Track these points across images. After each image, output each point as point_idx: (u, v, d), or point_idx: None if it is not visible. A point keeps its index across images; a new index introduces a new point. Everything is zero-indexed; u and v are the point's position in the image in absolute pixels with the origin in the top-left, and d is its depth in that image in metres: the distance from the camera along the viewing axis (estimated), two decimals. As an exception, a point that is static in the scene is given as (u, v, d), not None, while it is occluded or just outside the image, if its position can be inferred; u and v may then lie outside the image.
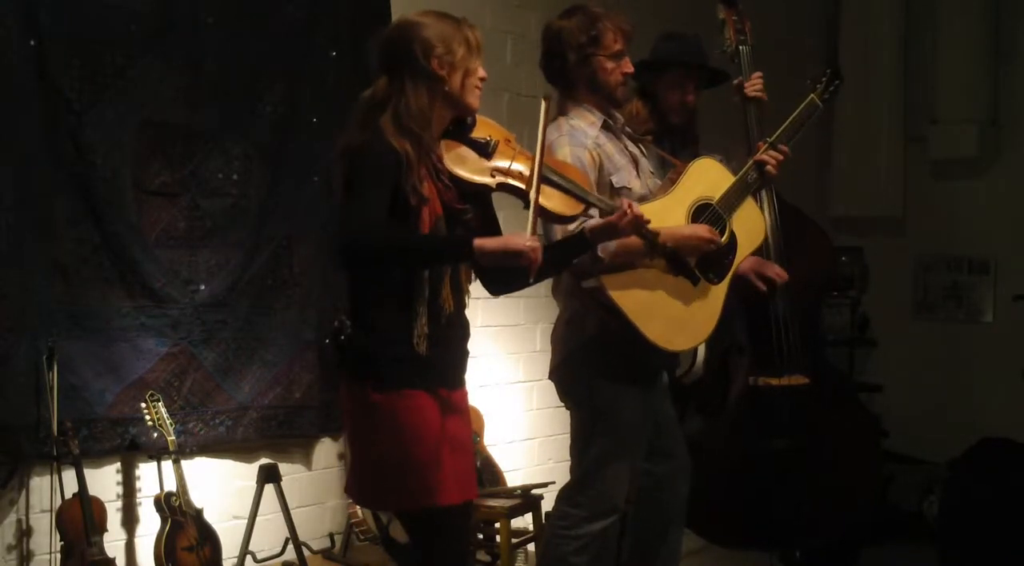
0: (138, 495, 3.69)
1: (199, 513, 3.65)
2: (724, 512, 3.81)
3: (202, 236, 3.80)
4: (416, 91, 2.48)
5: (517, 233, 2.43)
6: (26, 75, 3.39)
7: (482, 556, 4.23)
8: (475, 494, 2.64)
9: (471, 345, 2.64)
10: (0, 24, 3.32)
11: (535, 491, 4.21)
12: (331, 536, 4.17)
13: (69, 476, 3.39)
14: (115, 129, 3.57)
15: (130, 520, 3.68)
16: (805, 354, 3.79)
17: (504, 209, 2.69)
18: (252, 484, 3.86)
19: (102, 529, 3.44)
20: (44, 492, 3.45)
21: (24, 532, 3.43)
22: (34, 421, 3.39)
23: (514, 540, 4.11)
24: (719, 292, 3.10)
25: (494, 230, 2.62)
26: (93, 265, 3.55)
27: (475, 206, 2.56)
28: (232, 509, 3.90)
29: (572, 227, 2.82)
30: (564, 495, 3.22)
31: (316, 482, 4.19)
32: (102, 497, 3.52)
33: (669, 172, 3.32)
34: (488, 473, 4.30)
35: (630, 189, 3.08)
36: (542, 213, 2.59)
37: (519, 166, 2.55)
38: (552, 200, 2.59)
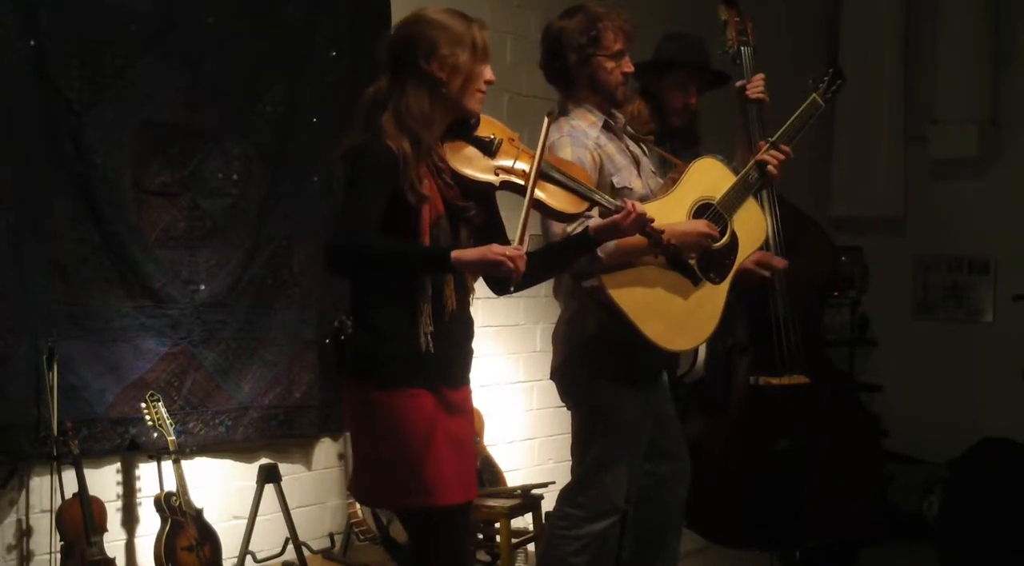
0: (138, 495, 3.68)
1: (199, 513, 3.65)
2: (724, 512, 3.82)
3: (202, 236, 3.80)
4: (416, 91, 2.47)
5: (498, 244, 2.42)
6: (26, 75, 3.38)
7: (482, 556, 4.23)
8: (475, 494, 2.64)
9: (473, 345, 2.64)
10: (0, 24, 3.32)
11: (535, 491, 4.21)
12: (331, 536, 4.16)
13: (69, 476, 3.38)
14: (115, 129, 3.57)
15: (130, 520, 3.68)
16: (805, 354, 3.80)
17: (507, 210, 2.68)
18: (252, 484, 3.86)
19: (102, 529, 3.44)
20: (44, 492, 3.45)
21: (24, 532, 3.43)
22: (34, 421, 3.38)
23: (514, 540, 4.10)
24: (720, 292, 3.10)
25: (497, 229, 2.62)
26: (93, 265, 3.55)
27: (479, 205, 2.56)
28: (232, 509, 3.90)
29: (572, 228, 2.82)
30: (564, 495, 3.22)
31: (316, 482, 4.19)
32: (102, 497, 3.52)
33: (670, 172, 3.32)
34: (488, 473, 4.30)
35: (631, 189, 3.08)
36: (545, 210, 2.60)
37: (522, 165, 2.55)
38: (555, 198, 2.58)
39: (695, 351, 3.70)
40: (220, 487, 3.90)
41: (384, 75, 2.52)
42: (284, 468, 3.98)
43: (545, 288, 3.27)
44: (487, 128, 2.58)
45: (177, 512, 3.56)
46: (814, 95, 3.50)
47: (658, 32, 3.79)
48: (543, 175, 2.54)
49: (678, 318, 3.02)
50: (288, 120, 4.00)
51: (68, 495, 3.40)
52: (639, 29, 3.17)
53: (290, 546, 3.86)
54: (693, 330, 3.08)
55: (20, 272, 3.37)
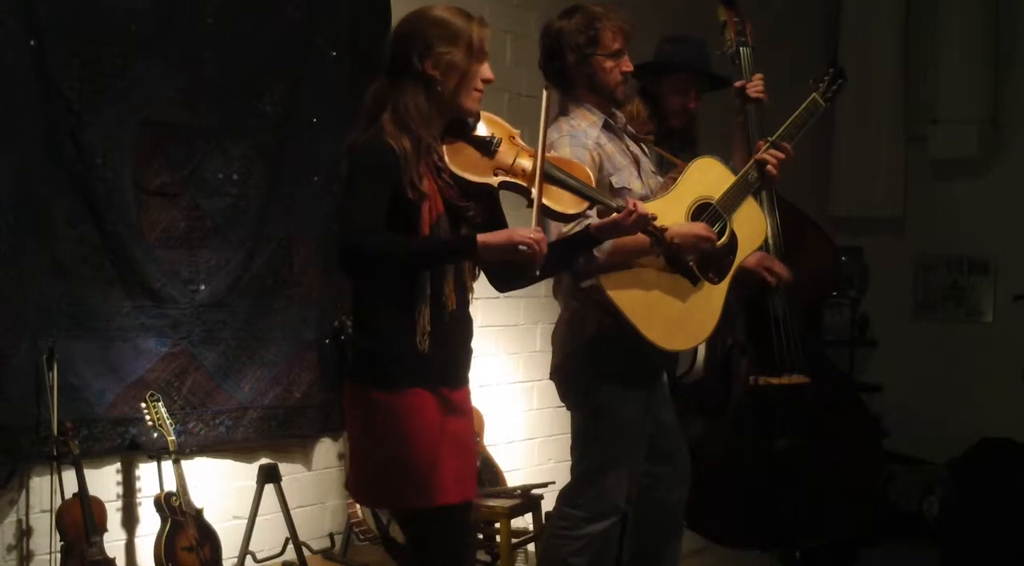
0: (138, 495, 3.68)
1: (199, 513, 3.65)
2: (724, 512, 3.81)
3: (202, 236, 3.80)
4: (414, 90, 2.46)
5: (520, 227, 2.42)
6: (26, 75, 3.38)
7: (482, 556, 4.23)
8: (475, 494, 2.64)
9: (472, 345, 2.64)
10: (0, 24, 3.32)
11: (535, 491, 4.21)
12: (331, 536, 4.16)
13: (69, 476, 3.38)
14: (115, 129, 3.57)
15: (130, 520, 3.68)
16: (805, 354, 3.80)
17: (509, 210, 2.67)
18: (252, 484, 3.86)
19: (102, 529, 3.44)
20: (44, 492, 3.45)
21: (24, 532, 3.43)
22: (34, 421, 3.38)
23: (514, 540, 4.11)
24: (719, 292, 3.10)
25: (502, 227, 2.58)
26: (93, 265, 3.55)
27: (481, 204, 2.54)
28: (232, 509, 3.90)
29: (569, 228, 2.81)
30: (564, 495, 3.22)
31: (316, 482, 4.19)
32: (102, 497, 3.52)
33: (670, 172, 3.32)
34: (488, 473, 4.30)
35: (630, 189, 3.08)
36: (544, 211, 2.56)
37: (522, 163, 2.53)
38: (555, 198, 2.56)
39: (694, 351, 3.70)
40: (220, 487, 3.90)
41: (385, 72, 2.51)
42: (284, 468, 3.98)
43: (545, 288, 3.27)
44: (487, 126, 2.56)
45: (177, 512, 3.56)
46: (814, 95, 3.50)
47: (657, 32, 3.79)
48: (544, 174, 2.51)
49: (677, 318, 3.02)
50: (288, 120, 3.99)
51: (68, 495, 3.40)
52: (638, 29, 3.17)
53: (290, 546, 3.86)
54: (692, 330, 3.09)
55: (20, 272, 3.37)
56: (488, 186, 2.52)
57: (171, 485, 3.59)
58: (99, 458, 3.57)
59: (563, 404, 3.29)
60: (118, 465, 3.65)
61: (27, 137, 3.39)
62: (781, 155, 3.29)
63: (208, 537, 3.63)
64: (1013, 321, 5.69)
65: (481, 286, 2.67)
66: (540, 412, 4.89)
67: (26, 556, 3.42)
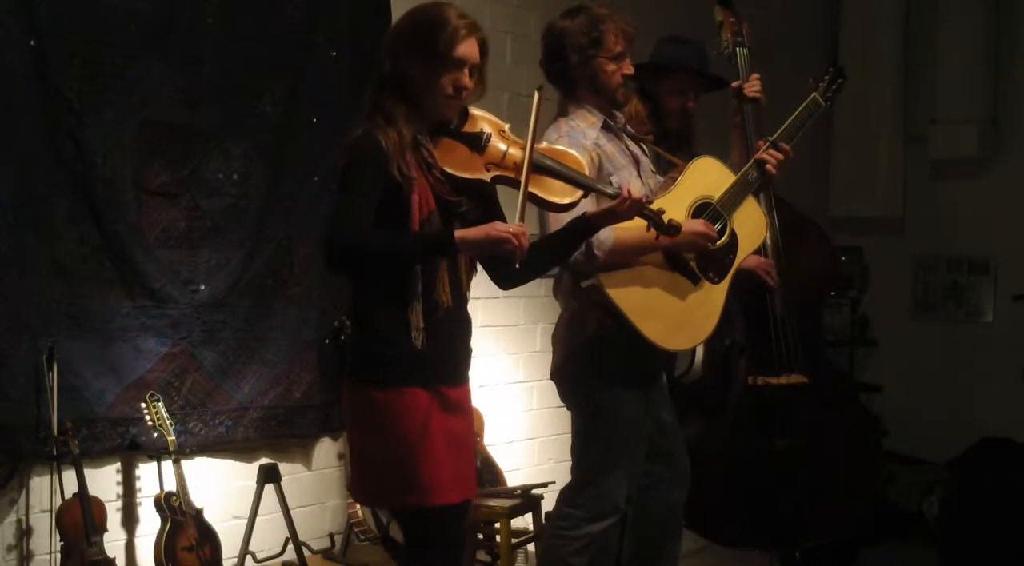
0: (138, 495, 3.69)
1: (199, 513, 3.65)
2: (724, 512, 3.81)
3: (202, 236, 3.80)
4: (391, 91, 2.47)
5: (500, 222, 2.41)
6: (26, 75, 3.38)
7: (482, 556, 4.23)
8: (473, 493, 2.64)
9: (472, 344, 2.64)
10: (0, 24, 3.32)
11: (535, 491, 4.21)
12: (331, 536, 4.17)
13: (69, 476, 3.38)
14: (115, 129, 3.57)
15: (130, 520, 3.68)
16: (804, 353, 3.80)
17: (508, 206, 2.66)
18: (252, 484, 3.86)
19: (102, 529, 3.44)
20: (44, 492, 3.45)
21: (24, 532, 3.43)
22: (34, 421, 3.38)
23: (514, 540, 4.11)
24: (719, 292, 3.10)
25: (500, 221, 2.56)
26: (93, 265, 3.55)
27: (477, 200, 2.53)
28: (232, 509, 3.90)
29: (567, 217, 2.80)
30: (564, 495, 3.22)
31: (316, 482, 4.19)
32: (102, 497, 3.52)
33: (670, 171, 3.32)
34: (488, 473, 4.30)
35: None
36: (538, 201, 2.55)
37: (513, 156, 2.50)
38: (546, 188, 2.54)
39: (693, 351, 3.70)
40: (220, 487, 3.90)
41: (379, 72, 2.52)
42: (284, 468, 3.98)
43: (545, 288, 3.27)
44: (476, 122, 2.53)
45: (177, 512, 3.56)
46: (814, 94, 3.51)
47: (657, 32, 3.79)
48: (536, 166, 2.49)
49: (677, 317, 3.02)
50: (288, 120, 4.00)
51: (68, 495, 3.40)
52: (638, 30, 3.17)
53: (290, 546, 3.86)
54: (692, 329, 3.09)
55: (20, 272, 3.37)
56: (481, 182, 2.51)
57: (171, 485, 3.59)
58: (99, 458, 3.57)
59: (563, 404, 3.30)
60: (118, 465, 3.65)
61: (27, 137, 3.39)
62: (780, 155, 3.30)
63: (208, 537, 3.63)
64: (1013, 321, 5.69)
65: (482, 286, 2.66)
66: (540, 412, 4.89)
67: (26, 556, 3.43)
